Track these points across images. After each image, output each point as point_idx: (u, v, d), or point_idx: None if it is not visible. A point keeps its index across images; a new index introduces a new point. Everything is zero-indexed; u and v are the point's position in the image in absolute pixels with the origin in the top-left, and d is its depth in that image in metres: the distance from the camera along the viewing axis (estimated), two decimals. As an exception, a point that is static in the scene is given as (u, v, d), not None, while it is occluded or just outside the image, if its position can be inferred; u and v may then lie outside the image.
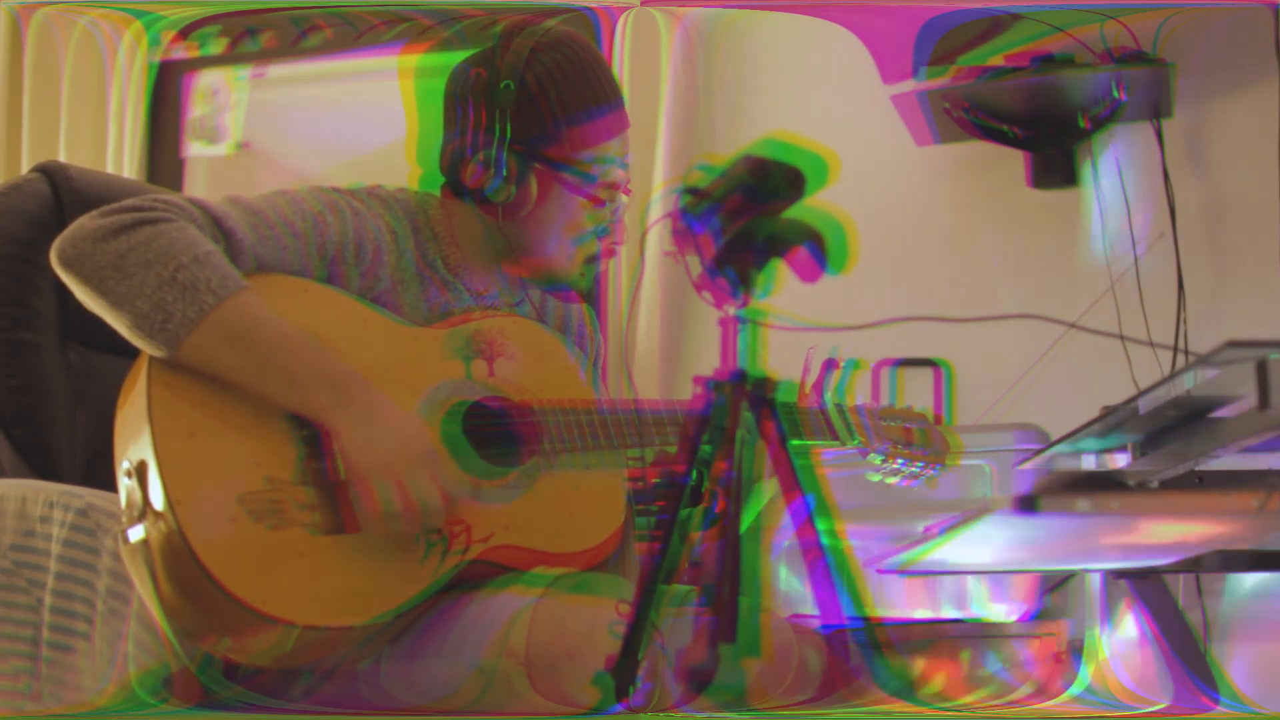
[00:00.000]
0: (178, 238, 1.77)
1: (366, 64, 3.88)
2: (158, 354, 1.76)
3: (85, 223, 1.79)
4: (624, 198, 2.03)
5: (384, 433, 1.78)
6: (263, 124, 4.01)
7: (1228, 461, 1.62)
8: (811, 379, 2.08)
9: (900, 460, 2.13)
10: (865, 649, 1.56)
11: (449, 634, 1.80)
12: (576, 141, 1.97)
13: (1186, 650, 2.22)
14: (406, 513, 1.76)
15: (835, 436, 2.08)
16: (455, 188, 2.01)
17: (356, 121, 3.87)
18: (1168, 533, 1.86)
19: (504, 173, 1.96)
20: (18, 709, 1.93)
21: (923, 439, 2.16)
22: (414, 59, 3.71)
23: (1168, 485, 1.60)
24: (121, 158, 3.92)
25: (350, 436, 1.77)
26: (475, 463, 1.87)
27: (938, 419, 2.22)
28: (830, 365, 2.09)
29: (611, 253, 2.06)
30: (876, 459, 2.13)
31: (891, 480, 2.16)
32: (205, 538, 1.68)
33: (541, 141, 1.96)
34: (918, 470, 2.15)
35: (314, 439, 1.78)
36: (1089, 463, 1.84)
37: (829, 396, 2.09)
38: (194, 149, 4.05)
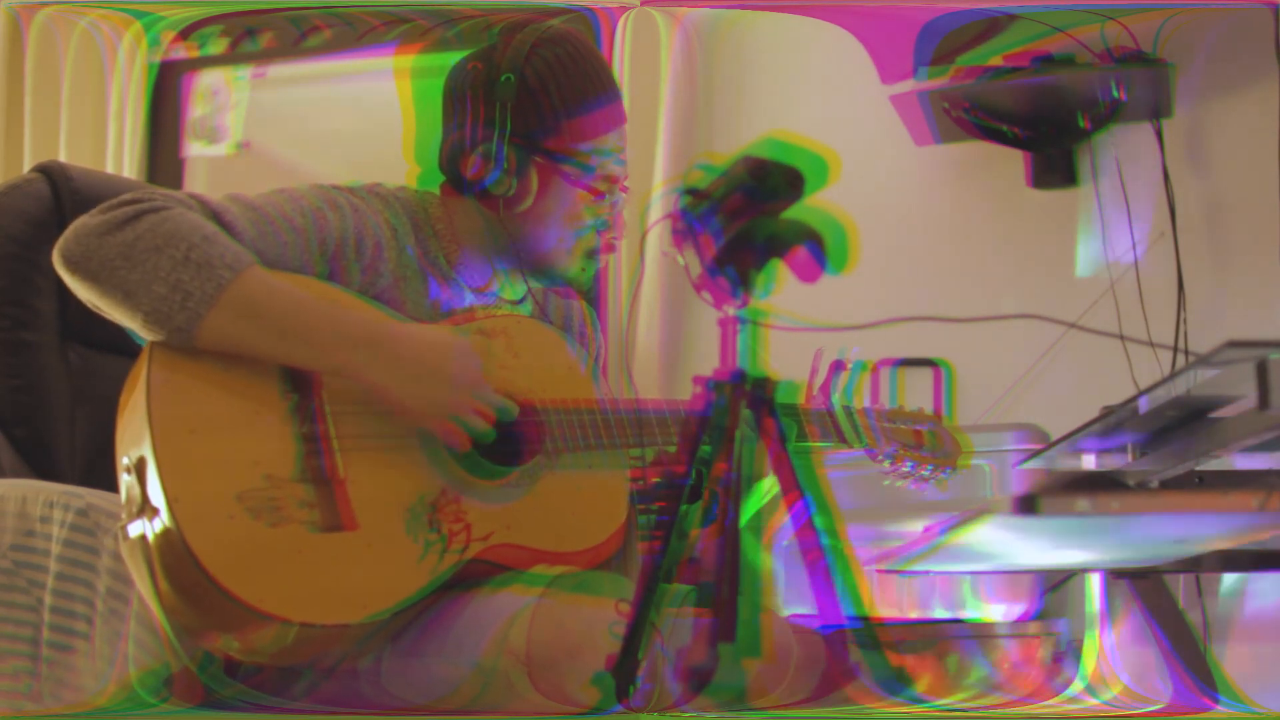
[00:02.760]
0: (182, 221, 1.77)
1: (366, 64, 3.88)
2: (176, 338, 1.75)
3: (86, 220, 1.79)
4: (621, 193, 2.04)
5: (429, 371, 1.82)
6: (263, 124, 4.01)
7: (1228, 461, 1.62)
8: (819, 380, 2.08)
9: (909, 463, 2.13)
10: (865, 649, 1.56)
11: (449, 632, 1.80)
12: (576, 133, 1.98)
13: (1186, 650, 2.22)
14: (488, 425, 1.84)
15: (842, 439, 2.08)
16: (455, 183, 2.02)
17: (356, 121, 3.87)
18: (1168, 533, 1.86)
19: (504, 165, 1.97)
20: (18, 709, 1.93)
21: (933, 441, 2.16)
22: (411, 59, 3.71)
23: (1168, 485, 1.60)
24: (121, 158, 3.92)
25: (401, 390, 1.80)
26: (477, 462, 1.87)
27: (939, 418, 2.22)
28: (838, 367, 2.09)
29: (611, 248, 2.06)
30: (885, 462, 2.13)
31: (901, 483, 2.16)
32: (203, 535, 1.68)
33: (541, 134, 1.97)
34: (927, 473, 2.15)
35: (313, 436, 1.78)
36: (1089, 463, 1.84)
37: (836, 398, 2.09)
38: (194, 149, 4.05)
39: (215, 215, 1.82)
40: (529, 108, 1.96)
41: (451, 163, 2.01)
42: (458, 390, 1.83)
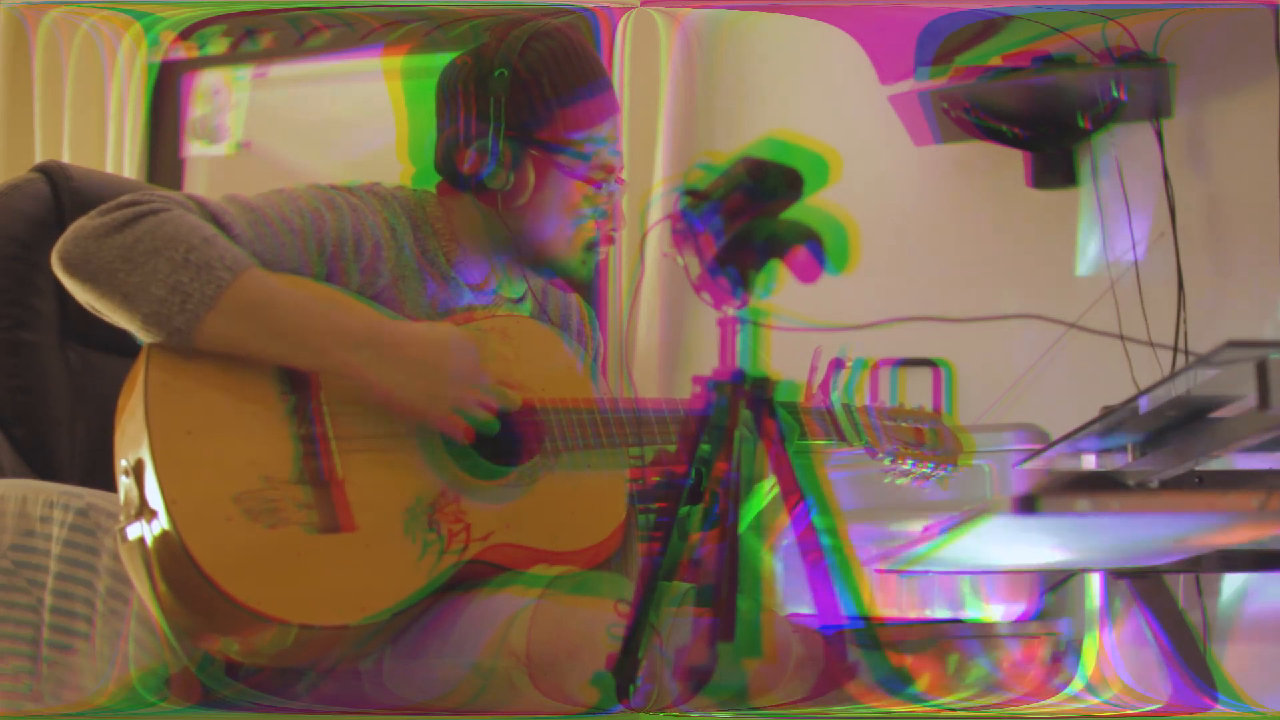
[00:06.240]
0: (181, 224, 1.77)
1: (367, 64, 3.88)
2: (175, 339, 1.76)
3: (85, 223, 1.79)
4: (618, 184, 2.04)
5: (429, 367, 1.82)
6: (263, 124, 4.01)
7: (1228, 461, 1.62)
8: (818, 379, 2.08)
9: (910, 461, 2.13)
10: (865, 649, 1.56)
11: (449, 633, 1.80)
12: (570, 123, 1.98)
13: (1186, 650, 2.21)
14: (491, 415, 1.85)
15: (842, 437, 2.07)
16: (452, 180, 2.02)
17: (356, 121, 3.87)
18: (1168, 533, 1.86)
19: (500, 159, 1.97)
20: (17, 709, 1.93)
21: (934, 439, 2.16)
22: (400, 59, 3.71)
23: (1168, 485, 1.60)
24: (122, 158, 3.92)
25: (401, 388, 1.81)
26: (476, 462, 1.87)
27: (939, 416, 2.21)
28: (838, 365, 2.09)
29: (610, 239, 2.07)
30: (885, 460, 2.13)
31: (902, 481, 2.16)
32: (201, 537, 1.68)
33: (535, 125, 1.97)
34: (928, 471, 2.15)
35: (311, 437, 1.78)
36: (1089, 463, 1.84)
37: (836, 396, 2.09)
38: (194, 149, 4.05)
39: (214, 217, 1.83)
40: (522, 100, 1.97)
41: (447, 160, 2.01)
42: (458, 383, 1.83)
